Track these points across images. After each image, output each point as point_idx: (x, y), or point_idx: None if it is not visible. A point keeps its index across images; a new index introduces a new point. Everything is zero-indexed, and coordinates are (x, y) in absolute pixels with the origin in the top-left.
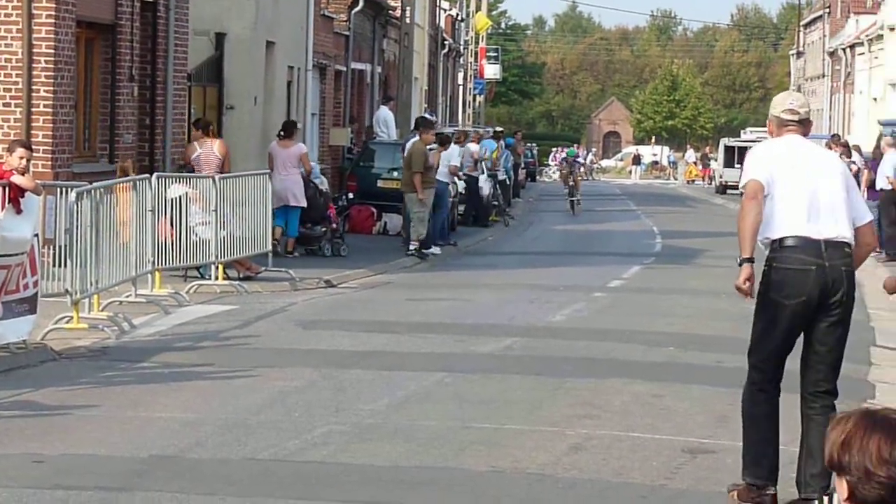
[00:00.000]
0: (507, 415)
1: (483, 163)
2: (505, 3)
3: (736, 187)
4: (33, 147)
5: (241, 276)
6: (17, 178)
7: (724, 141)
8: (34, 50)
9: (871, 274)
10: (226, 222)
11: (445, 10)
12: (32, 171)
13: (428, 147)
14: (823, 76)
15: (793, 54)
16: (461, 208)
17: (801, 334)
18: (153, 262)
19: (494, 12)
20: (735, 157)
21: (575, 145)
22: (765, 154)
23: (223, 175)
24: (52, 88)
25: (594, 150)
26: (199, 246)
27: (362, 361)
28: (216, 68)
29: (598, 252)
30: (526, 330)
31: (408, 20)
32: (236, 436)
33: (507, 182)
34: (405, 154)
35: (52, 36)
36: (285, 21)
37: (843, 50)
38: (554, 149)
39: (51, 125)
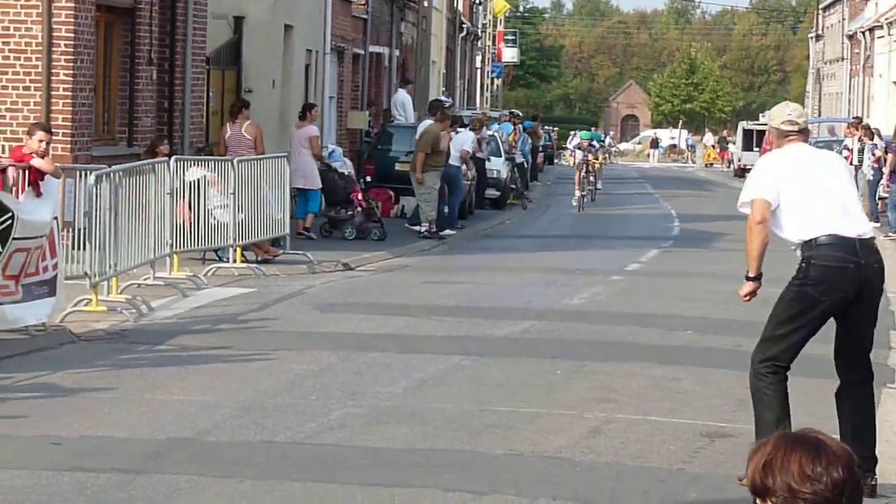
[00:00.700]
0: (524, 398)
1: (501, 145)
2: None
3: None
4: (53, 130)
5: (258, 258)
6: (36, 162)
7: (743, 124)
8: (54, 33)
9: (888, 257)
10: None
11: None
12: (52, 155)
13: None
14: (842, 59)
15: (812, 37)
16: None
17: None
18: (171, 245)
19: None
20: (753, 140)
21: (593, 128)
22: (774, 163)
23: (241, 157)
24: (71, 72)
25: (612, 133)
26: (217, 229)
27: (379, 344)
28: (235, 51)
29: (615, 235)
30: (543, 313)
31: (426, 3)
32: (254, 418)
33: (525, 165)
34: (417, 135)
35: (71, 20)
36: (303, 4)
37: (863, 33)
38: (572, 132)
39: (70, 108)
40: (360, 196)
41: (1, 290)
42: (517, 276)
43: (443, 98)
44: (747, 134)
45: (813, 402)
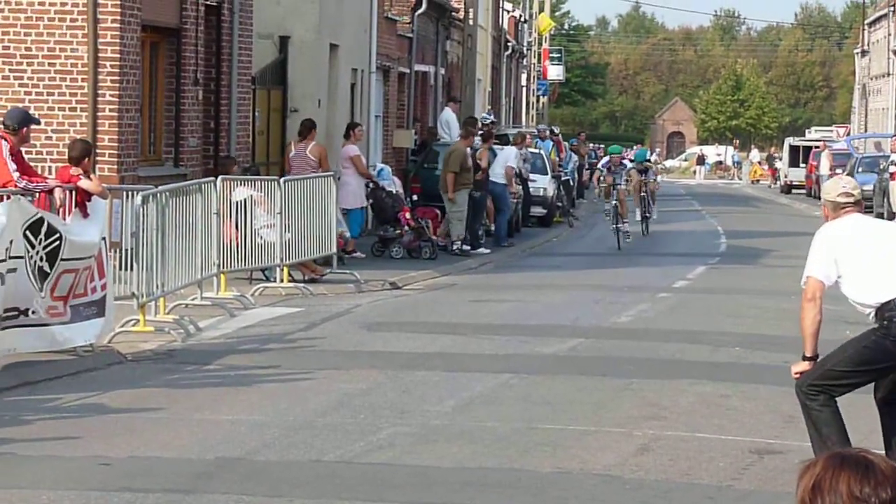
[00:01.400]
0: (572, 416)
1: (547, 163)
2: (568, 4)
3: (801, 187)
4: (99, 150)
5: (305, 278)
6: (83, 183)
7: (789, 140)
8: (100, 54)
9: None
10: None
11: (509, 12)
12: (98, 175)
13: (469, 148)
14: (888, 75)
15: (857, 53)
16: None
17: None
18: (219, 265)
19: (557, 13)
20: (800, 156)
21: (637, 146)
22: (831, 236)
23: (287, 178)
24: (117, 92)
25: (658, 150)
26: (264, 248)
27: (427, 363)
28: (280, 71)
29: (662, 252)
30: (591, 331)
31: (471, 22)
32: (302, 438)
33: (571, 183)
34: (446, 154)
35: (117, 40)
36: (349, 23)
37: None
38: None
39: (116, 129)
40: (407, 215)
41: (50, 310)
42: (564, 293)
43: (482, 116)
44: (793, 150)
45: (860, 416)
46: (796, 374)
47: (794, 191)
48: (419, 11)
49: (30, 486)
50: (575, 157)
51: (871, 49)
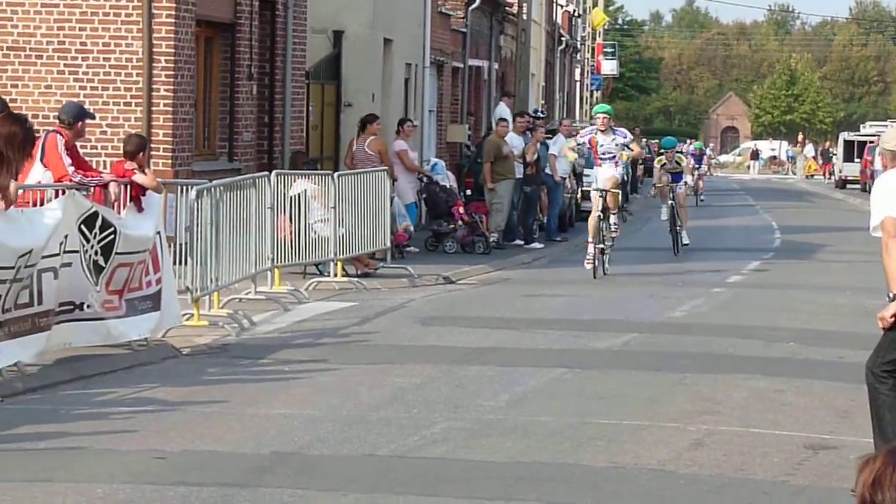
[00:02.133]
0: (626, 410)
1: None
2: None
3: (856, 182)
4: (154, 145)
5: (359, 272)
6: (138, 177)
7: (844, 135)
8: (154, 49)
9: None
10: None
11: (562, 7)
12: (153, 170)
13: (504, 138)
14: None
15: None
16: None
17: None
18: (272, 260)
19: (611, 8)
20: (854, 151)
21: (690, 140)
22: (893, 184)
23: (341, 172)
24: (172, 87)
25: (712, 144)
26: (318, 243)
27: (481, 357)
28: (334, 66)
29: (716, 247)
30: (645, 325)
31: (525, 17)
32: (356, 432)
33: (625, 178)
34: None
35: (171, 35)
36: (402, 18)
37: None
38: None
39: (171, 124)
40: (461, 209)
41: (105, 304)
42: (618, 288)
43: (533, 110)
44: (848, 145)
45: None
46: (891, 316)
47: (848, 186)
48: (473, 6)
49: (85, 480)
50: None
51: None
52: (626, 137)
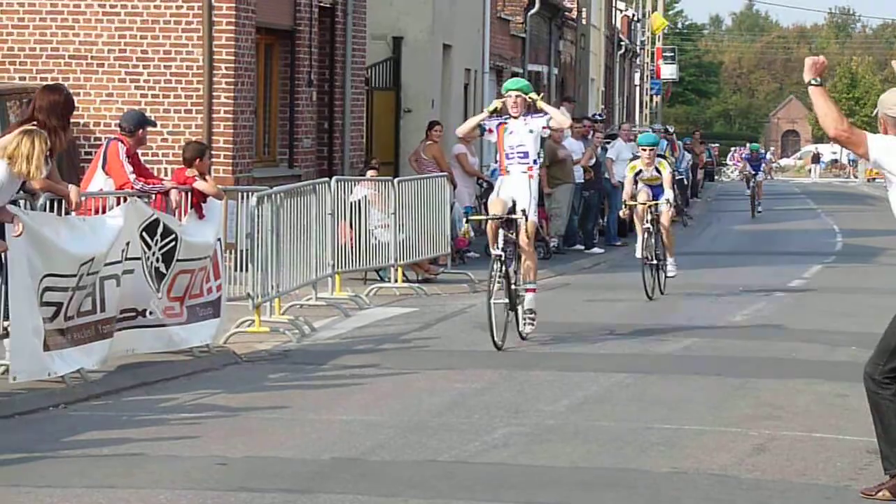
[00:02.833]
0: (687, 415)
1: None
2: (681, 2)
3: None
4: (214, 152)
5: (419, 278)
6: (199, 184)
7: None
8: (215, 56)
9: None
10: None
11: (621, 11)
12: (213, 177)
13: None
14: None
15: None
16: None
17: None
18: (333, 266)
19: (671, 12)
20: None
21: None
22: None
23: (401, 178)
24: (232, 94)
25: (772, 148)
26: (378, 249)
27: (541, 363)
28: (393, 72)
29: (777, 251)
30: (706, 330)
31: (584, 21)
32: (417, 438)
33: (685, 182)
34: None
35: (232, 42)
36: (462, 24)
37: None
38: (732, 148)
39: (231, 131)
40: None
41: (166, 311)
42: (679, 292)
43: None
44: None
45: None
46: None
47: None
48: (532, 11)
49: (147, 486)
50: (689, 157)
51: None
52: (543, 117)
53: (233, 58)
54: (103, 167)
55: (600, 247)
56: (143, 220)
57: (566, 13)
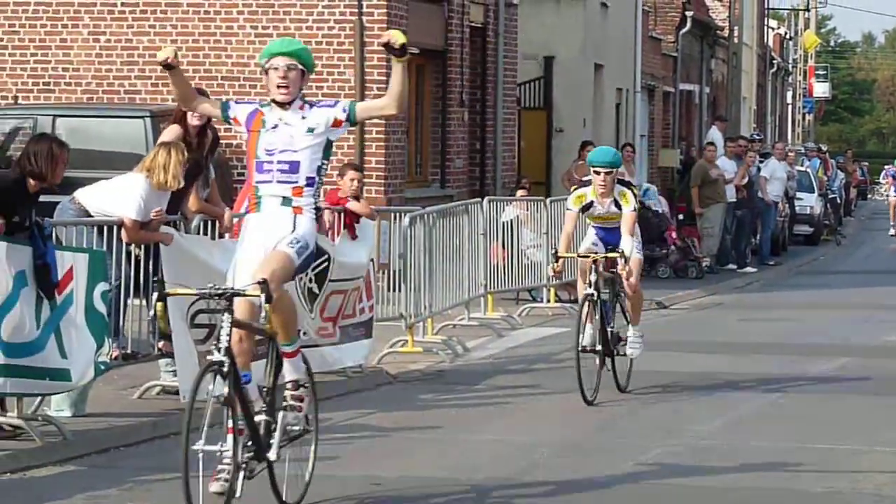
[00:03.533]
0: (842, 435)
1: (814, 181)
2: (834, 20)
3: None
4: (366, 172)
5: (572, 298)
6: (352, 205)
7: None
8: (366, 77)
9: None
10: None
11: (773, 29)
12: (366, 197)
13: (714, 162)
14: None
15: None
16: None
17: None
18: (485, 286)
19: (823, 30)
20: None
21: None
22: None
23: (553, 198)
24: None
25: None
26: (530, 269)
27: (695, 382)
28: (545, 91)
29: None
30: (861, 349)
31: (736, 40)
32: (571, 458)
33: (838, 200)
34: None
35: (384, 63)
36: (613, 43)
37: None
38: (886, 167)
39: (383, 151)
40: (673, 234)
41: (320, 331)
42: (832, 312)
43: (751, 134)
44: None
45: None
46: None
47: None
48: (684, 30)
49: None
50: (842, 175)
51: None
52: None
53: (384, 78)
54: None
55: (753, 266)
56: None
57: (718, 32)
